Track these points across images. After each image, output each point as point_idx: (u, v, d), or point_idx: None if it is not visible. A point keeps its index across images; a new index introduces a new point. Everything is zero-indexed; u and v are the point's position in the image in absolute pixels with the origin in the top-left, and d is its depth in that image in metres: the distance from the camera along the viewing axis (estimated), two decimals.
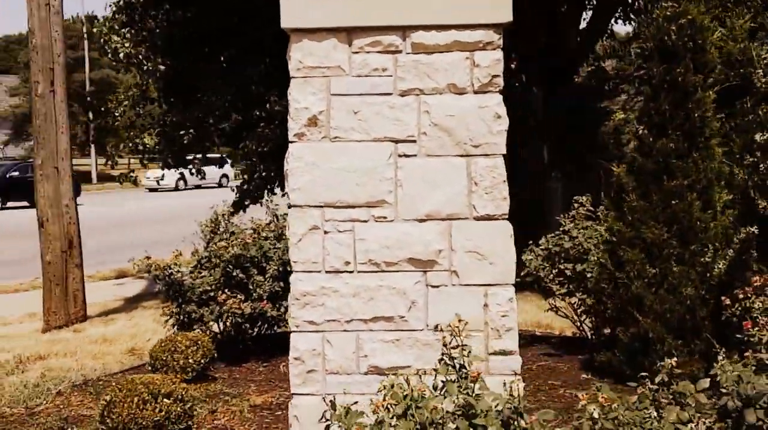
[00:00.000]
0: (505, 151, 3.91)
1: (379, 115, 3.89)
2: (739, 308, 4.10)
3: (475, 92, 3.88)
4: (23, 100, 41.90)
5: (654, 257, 6.49)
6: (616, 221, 6.91)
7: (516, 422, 3.03)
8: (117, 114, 10.97)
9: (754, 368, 3.74)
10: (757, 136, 5.53)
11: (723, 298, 4.28)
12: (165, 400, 5.47)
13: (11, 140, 47.05)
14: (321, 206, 3.91)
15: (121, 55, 10.23)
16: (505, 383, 3.39)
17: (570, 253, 7.87)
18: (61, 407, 6.59)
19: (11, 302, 10.18)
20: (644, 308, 6.48)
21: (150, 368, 6.99)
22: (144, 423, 5.32)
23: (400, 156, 3.91)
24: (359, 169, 3.90)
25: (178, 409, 5.49)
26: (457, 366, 3.26)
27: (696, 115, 6.40)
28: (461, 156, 3.90)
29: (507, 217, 3.90)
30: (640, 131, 6.79)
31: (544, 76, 11.95)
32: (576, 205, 8.37)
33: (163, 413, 5.40)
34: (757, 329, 3.87)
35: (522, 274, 8.57)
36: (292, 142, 3.91)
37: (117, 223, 23.02)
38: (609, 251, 6.96)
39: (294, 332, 3.94)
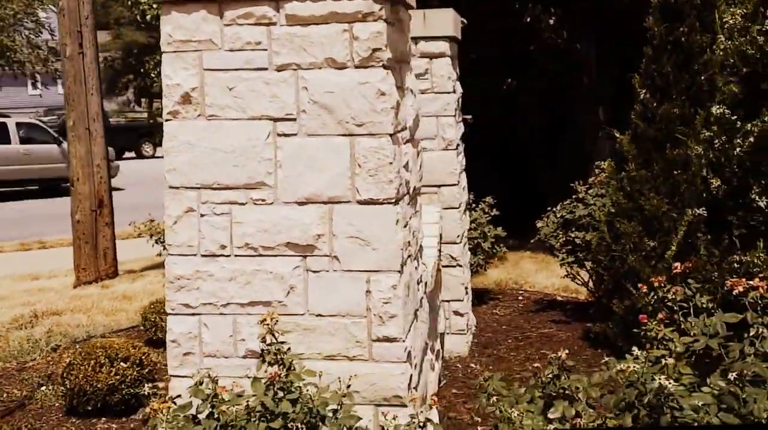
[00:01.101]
0: (392, 131, 3.57)
1: (255, 92, 3.63)
2: (655, 298, 3.67)
3: (356, 67, 3.56)
4: (116, 55, 42.64)
5: (653, 229, 6.00)
6: (617, 192, 6.43)
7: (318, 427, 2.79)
8: (153, 75, 10.96)
9: (650, 365, 3.35)
10: (714, 109, 4.91)
11: (640, 285, 3.84)
12: (122, 364, 5.52)
13: (104, 95, 48.01)
14: (197, 188, 3.70)
15: (149, 17, 10.13)
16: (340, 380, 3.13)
17: (582, 221, 7.44)
18: (51, 363, 6.72)
19: (66, 255, 10.48)
20: (641, 281, 6.02)
21: (142, 328, 7.05)
22: (99, 386, 5.38)
23: (279, 135, 3.65)
24: (237, 149, 3.67)
25: (134, 373, 5.52)
26: (282, 362, 3.03)
27: (702, 78, 5.79)
28: (344, 136, 3.59)
29: (393, 201, 3.59)
30: (642, 95, 6.23)
31: (596, 30, 11.22)
32: (597, 170, 7.87)
33: (118, 376, 5.44)
34: (654, 322, 3.45)
35: (532, 241, 8.19)
36: (167, 120, 3.71)
37: None
38: (608, 222, 6.50)
39: (170, 315, 3.78)
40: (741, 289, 3.28)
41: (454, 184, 6.60)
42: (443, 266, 6.68)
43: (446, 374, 6.35)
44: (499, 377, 3.60)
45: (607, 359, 3.34)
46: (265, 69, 3.62)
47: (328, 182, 3.61)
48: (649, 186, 6.02)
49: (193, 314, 3.75)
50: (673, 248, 5.04)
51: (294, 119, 3.62)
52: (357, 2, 3.51)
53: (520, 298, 8.66)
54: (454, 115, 6.61)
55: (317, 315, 3.67)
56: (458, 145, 6.77)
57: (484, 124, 14.66)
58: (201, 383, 2.90)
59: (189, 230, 3.72)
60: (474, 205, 8.58)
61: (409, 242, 3.88)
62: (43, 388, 6.06)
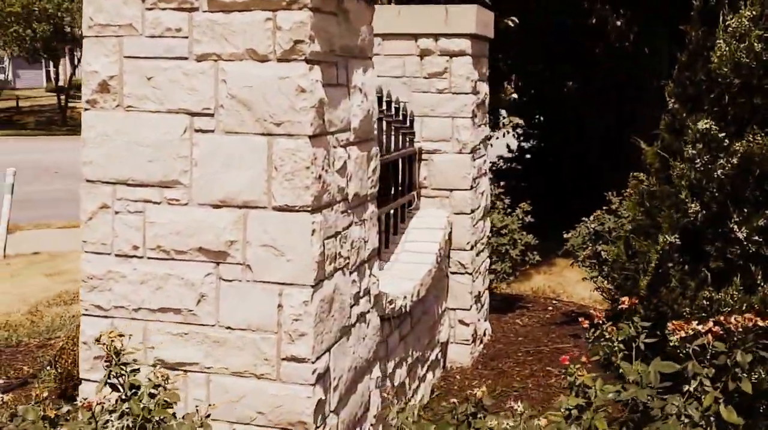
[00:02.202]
0: (311, 132, 3.14)
1: (173, 83, 3.25)
2: (594, 334, 3.12)
3: (278, 60, 3.13)
4: None
5: None
6: (636, 206, 5.76)
7: None
8: None
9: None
10: (700, 124, 4.21)
11: (581, 319, 3.29)
12: None
13: None
14: (113, 183, 3.35)
15: None
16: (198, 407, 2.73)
17: (611, 234, 6.80)
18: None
19: None
20: (650, 305, 5.37)
21: None
22: None
23: (196, 131, 3.25)
24: (153, 143, 3.30)
25: None
26: (125, 384, 2.65)
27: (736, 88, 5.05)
28: (262, 135, 3.18)
29: (309, 209, 3.15)
30: (671, 105, 5.51)
31: (668, 30, 10.34)
32: (632, 180, 7.18)
33: None
34: (577, 367, 2.91)
35: (559, 252, 7.59)
36: (85, 109, 3.38)
37: None
38: (626, 238, 5.84)
39: (83, 315, 3.46)
40: (683, 334, 2.71)
41: (467, 189, 6.08)
42: (451, 273, 6.20)
43: (442, 385, 5.87)
44: (414, 409, 3.13)
45: (516, 405, 2.82)
46: (185, 59, 3.23)
47: (244, 185, 3.21)
48: (669, 202, 5.35)
49: (106, 317, 3.42)
50: (647, 278, 4.40)
51: (212, 114, 3.23)
52: None
53: (551, 308, 8.05)
54: (471, 117, 6.08)
55: (227, 327, 3.28)
56: (476, 148, 6.24)
57: (541, 127, 13.99)
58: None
59: (103, 227, 3.38)
60: (510, 209, 8.02)
61: (338, 253, 3.43)
62: (48, 368, 5.91)
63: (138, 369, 2.70)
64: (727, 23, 4.19)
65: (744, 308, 3.63)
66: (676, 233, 4.13)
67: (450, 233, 6.06)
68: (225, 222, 3.23)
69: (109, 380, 2.56)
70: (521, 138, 14.46)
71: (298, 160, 3.13)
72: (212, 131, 3.23)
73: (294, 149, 3.13)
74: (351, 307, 3.61)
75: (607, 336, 2.98)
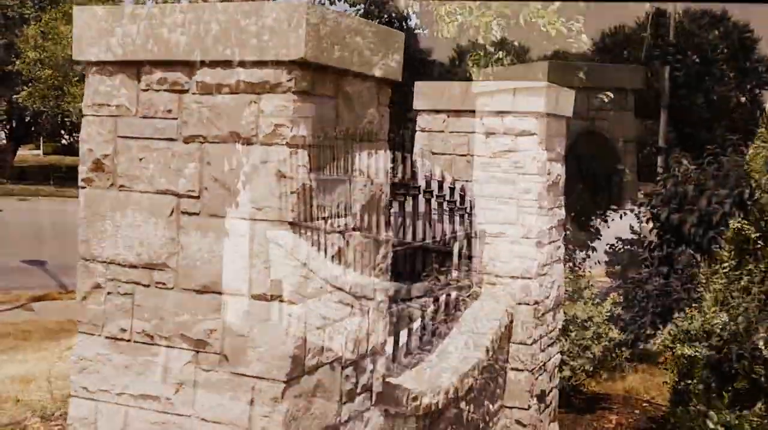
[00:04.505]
0: (291, 218, 3.07)
1: (162, 164, 3.27)
2: None
3: (261, 144, 3.11)
4: None
5: None
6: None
7: None
8: None
9: None
10: (732, 222, 3.80)
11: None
12: None
13: None
14: (106, 263, 3.40)
15: None
16: None
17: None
18: None
19: None
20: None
21: None
22: None
23: (182, 213, 3.26)
24: (143, 224, 3.32)
25: None
26: None
27: None
28: (244, 219, 3.14)
29: (287, 299, 3.06)
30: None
31: None
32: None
33: None
34: None
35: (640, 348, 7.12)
36: (81, 187, 3.45)
37: None
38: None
39: (72, 396, 3.47)
40: None
41: (530, 278, 5.83)
42: (510, 369, 5.91)
43: None
44: None
45: None
46: (174, 140, 3.25)
47: (225, 270, 3.17)
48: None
49: (91, 399, 3.41)
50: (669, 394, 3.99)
51: (197, 197, 3.22)
52: (266, 71, 3.07)
53: (638, 412, 7.51)
54: (538, 200, 5.86)
55: (202, 419, 3.20)
56: (543, 234, 5.99)
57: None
58: None
59: (96, 307, 3.41)
60: (598, 300, 7.64)
61: (326, 346, 3.31)
62: None
63: None
64: None
65: None
66: (697, 344, 3.74)
67: (510, 324, 5.80)
68: (206, 309, 3.19)
69: None
70: (649, 220, 13.84)
71: (277, 247, 3.06)
72: (197, 214, 3.22)
73: (273, 236, 3.07)
74: (342, 404, 3.46)
75: None
